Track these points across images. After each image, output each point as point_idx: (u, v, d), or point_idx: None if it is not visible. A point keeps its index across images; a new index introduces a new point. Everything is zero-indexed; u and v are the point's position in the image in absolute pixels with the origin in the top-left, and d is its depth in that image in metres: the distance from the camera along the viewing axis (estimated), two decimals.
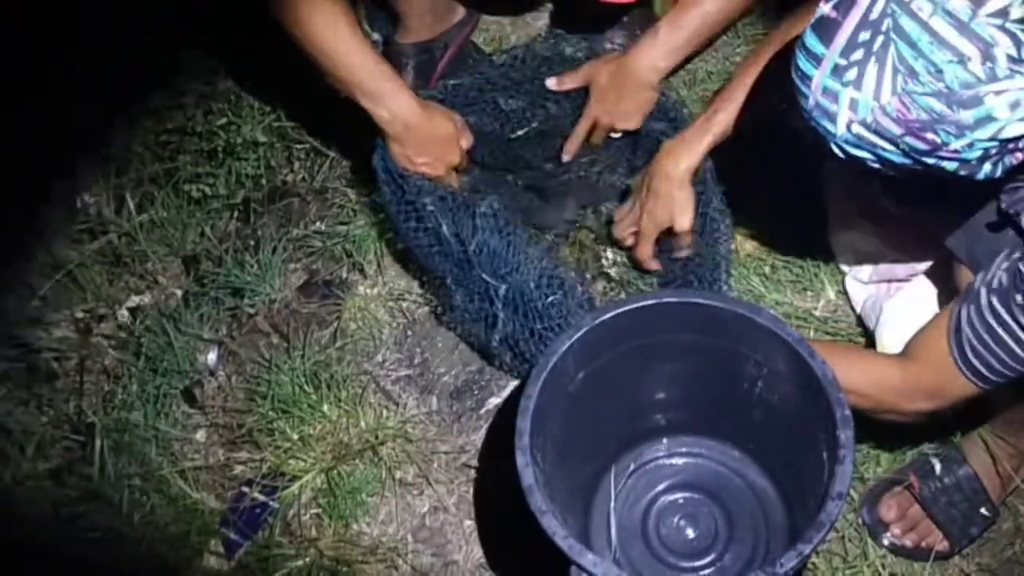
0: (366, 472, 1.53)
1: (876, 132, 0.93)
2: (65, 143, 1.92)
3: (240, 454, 1.58)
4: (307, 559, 1.47)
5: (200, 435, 1.62)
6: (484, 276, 1.42)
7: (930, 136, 0.91)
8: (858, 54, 0.91)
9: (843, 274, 1.59)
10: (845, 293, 1.59)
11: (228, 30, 1.99)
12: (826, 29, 0.94)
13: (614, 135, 1.61)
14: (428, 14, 1.77)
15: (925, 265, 1.42)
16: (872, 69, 0.91)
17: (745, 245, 1.65)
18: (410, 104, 1.41)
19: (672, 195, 1.44)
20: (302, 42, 1.37)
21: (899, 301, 1.41)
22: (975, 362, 1.08)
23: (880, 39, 0.90)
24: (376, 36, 1.89)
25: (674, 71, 1.56)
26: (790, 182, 1.68)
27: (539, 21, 1.95)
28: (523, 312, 1.43)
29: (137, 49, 1.97)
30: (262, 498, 1.51)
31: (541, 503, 1.10)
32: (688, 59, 1.57)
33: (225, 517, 1.52)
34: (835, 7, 0.94)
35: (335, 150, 1.85)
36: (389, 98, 1.40)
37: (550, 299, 1.40)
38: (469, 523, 1.51)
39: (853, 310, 1.56)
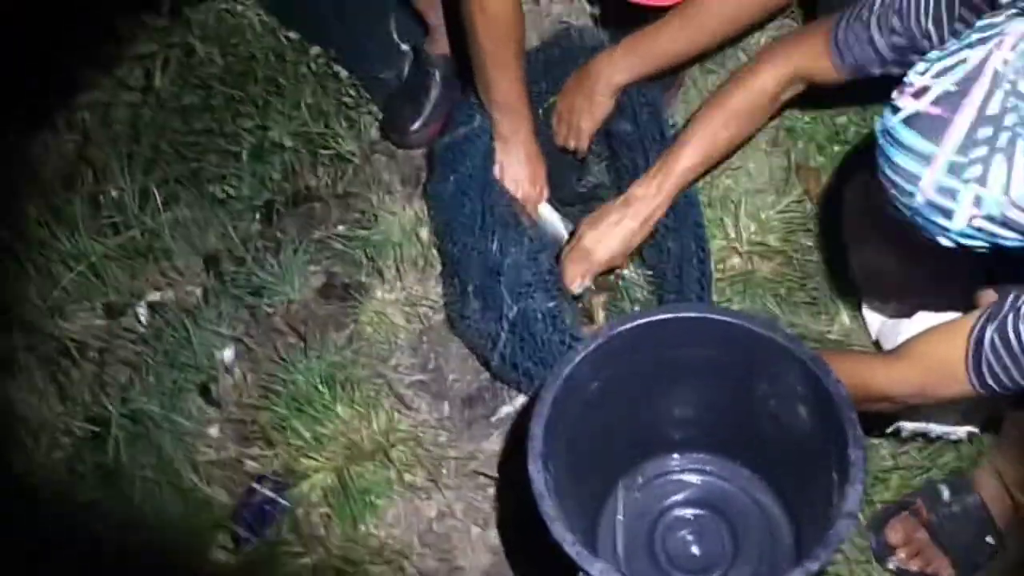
0: (376, 474, 1.54)
1: (1003, 224, 0.92)
2: (95, 137, 1.97)
3: (252, 450, 1.59)
4: (314, 557, 1.48)
5: (214, 430, 1.64)
6: (504, 292, 1.45)
7: None
8: (980, 151, 0.89)
9: (859, 297, 1.59)
10: (860, 316, 1.59)
11: (259, 34, 2.03)
12: (931, 126, 0.92)
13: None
14: None
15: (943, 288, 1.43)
16: (1000, 165, 0.89)
17: (760, 267, 1.66)
18: (529, 130, 1.59)
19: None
20: (471, 31, 1.49)
21: (919, 321, 1.40)
22: (989, 380, 1.09)
23: (1005, 135, 0.88)
24: (405, 47, 1.93)
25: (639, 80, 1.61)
26: (807, 203, 1.71)
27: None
28: (524, 339, 1.47)
29: (169, 48, 2.01)
30: (272, 495, 1.52)
31: (551, 509, 1.11)
32: (653, 76, 1.61)
33: (235, 512, 1.53)
34: (935, 104, 0.92)
35: (359, 157, 1.88)
36: (515, 117, 1.55)
37: (550, 335, 1.45)
38: (476, 530, 1.52)
39: (868, 333, 1.57)
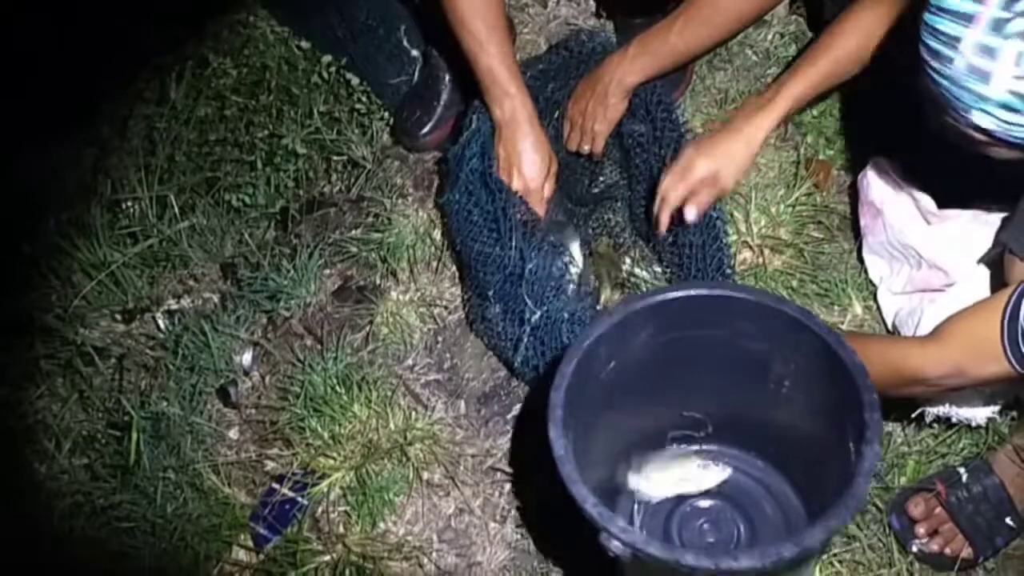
0: (394, 472, 1.55)
1: None
2: (112, 149, 2.00)
3: (272, 451, 1.61)
4: (334, 555, 1.49)
5: (233, 432, 1.66)
6: (527, 297, 1.46)
7: None
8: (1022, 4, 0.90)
9: (873, 287, 1.60)
10: (872, 307, 1.60)
11: (271, 44, 2.07)
12: None
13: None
14: None
15: (961, 273, 1.43)
16: None
17: (773, 260, 1.67)
18: (526, 114, 1.51)
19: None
20: (453, 22, 1.48)
21: (942, 307, 1.40)
22: None
23: None
24: (415, 52, 1.95)
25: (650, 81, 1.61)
26: (817, 195, 1.72)
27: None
28: (547, 343, 1.47)
29: (183, 60, 2.04)
30: (292, 494, 1.54)
31: (572, 472, 1.11)
32: (664, 74, 1.62)
33: (255, 512, 1.54)
34: None
35: (371, 162, 1.90)
36: (507, 101, 1.49)
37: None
38: (494, 525, 1.53)
39: (883, 323, 1.57)
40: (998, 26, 0.92)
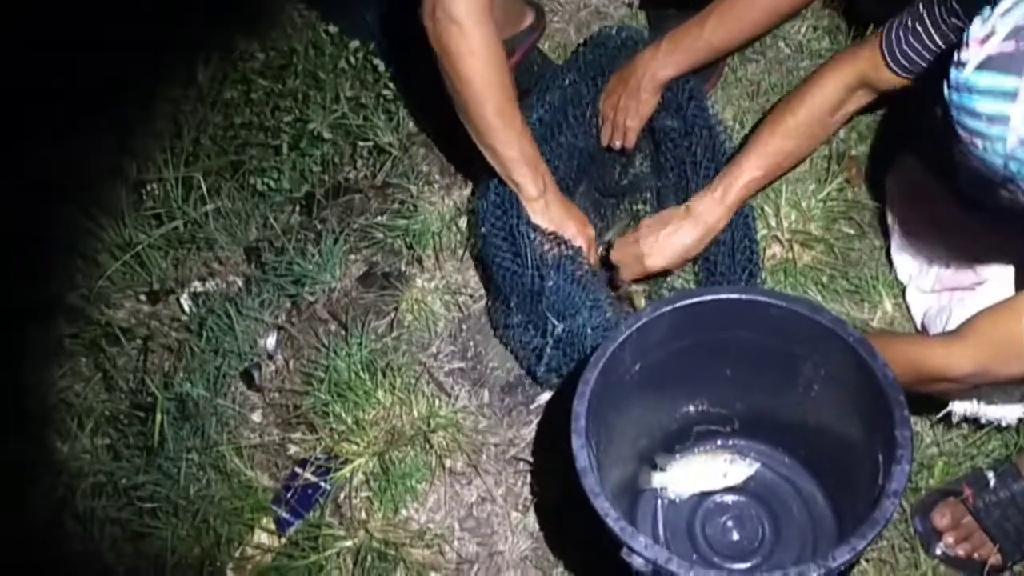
0: (417, 459, 1.55)
1: None
2: (137, 131, 2.00)
3: (295, 435, 1.61)
4: (356, 540, 1.49)
5: (256, 415, 1.66)
6: (548, 313, 1.46)
7: None
8: None
9: (902, 285, 1.58)
10: (903, 305, 1.58)
11: (299, 28, 2.06)
12: (1008, 63, 0.91)
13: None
14: (499, 17, 1.80)
15: (990, 272, 1.41)
16: None
17: (803, 255, 1.65)
18: (552, 185, 1.51)
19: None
20: (466, 115, 1.41)
21: (970, 306, 1.39)
22: None
23: None
24: None
25: (682, 76, 1.61)
26: (849, 191, 1.70)
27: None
28: (569, 353, 1.48)
29: (209, 48, 2.04)
30: (314, 479, 1.54)
31: (594, 485, 1.11)
32: (697, 69, 1.61)
33: (278, 495, 1.55)
34: (1006, 40, 0.92)
35: (398, 148, 1.89)
36: (539, 176, 1.47)
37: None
38: (516, 515, 1.52)
39: (912, 321, 1.56)
40: None
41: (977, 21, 0.95)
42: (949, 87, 0.97)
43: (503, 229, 1.50)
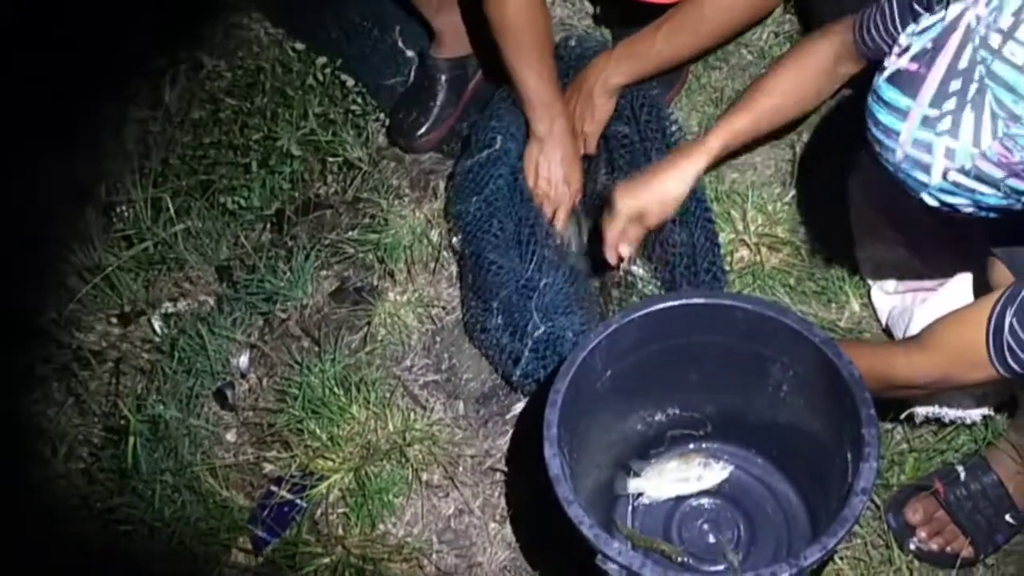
0: (393, 473, 1.55)
1: (976, 178, 0.93)
2: (106, 152, 1.99)
3: (270, 453, 1.60)
4: (333, 557, 1.49)
5: (231, 435, 1.65)
6: (535, 310, 1.47)
7: None
8: (950, 103, 0.92)
9: (868, 286, 1.60)
10: (870, 305, 1.60)
11: (266, 46, 2.06)
12: (908, 82, 0.94)
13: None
14: (464, 30, 1.81)
15: (953, 273, 1.43)
16: (968, 117, 0.91)
17: (770, 258, 1.67)
18: (567, 130, 1.61)
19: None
20: (497, 31, 1.54)
21: (931, 308, 1.41)
22: (1012, 363, 1.09)
23: (974, 87, 0.90)
24: (410, 53, 1.95)
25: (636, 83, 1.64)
26: (814, 194, 1.72)
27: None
28: (548, 357, 1.49)
29: (177, 63, 2.03)
30: (290, 496, 1.53)
31: (568, 493, 1.12)
32: (651, 76, 1.64)
33: (254, 514, 1.54)
34: (914, 59, 0.94)
35: (367, 163, 1.90)
36: (550, 116, 1.58)
37: None
38: (494, 526, 1.52)
39: (878, 321, 1.58)
40: (928, 122, 0.93)
41: (909, 28, 0.97)
42: (870, 87, 1.00)
43: (500, 223, 1.53)
